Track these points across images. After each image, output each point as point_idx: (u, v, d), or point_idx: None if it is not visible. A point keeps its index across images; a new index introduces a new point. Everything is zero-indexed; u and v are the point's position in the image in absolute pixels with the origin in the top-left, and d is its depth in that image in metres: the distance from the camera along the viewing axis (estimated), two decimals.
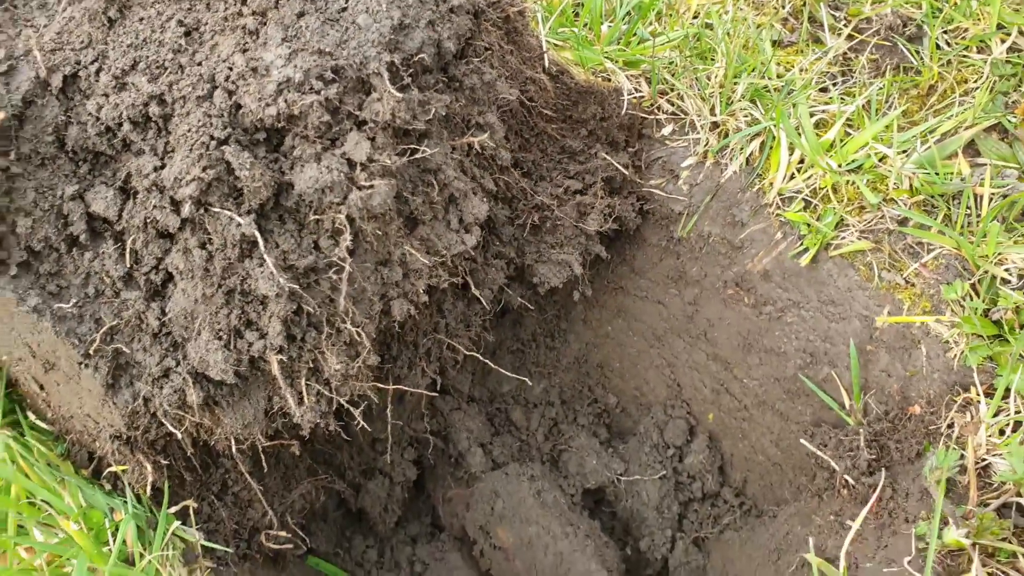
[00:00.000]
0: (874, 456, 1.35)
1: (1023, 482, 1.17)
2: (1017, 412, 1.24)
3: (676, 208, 1.57)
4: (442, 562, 1.67)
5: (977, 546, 1.15)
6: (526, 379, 1.62)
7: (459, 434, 1.70)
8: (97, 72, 1.04)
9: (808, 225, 1.47)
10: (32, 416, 1.26)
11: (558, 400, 1.81)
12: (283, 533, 1.36)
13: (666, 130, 1.56)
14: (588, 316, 1.79)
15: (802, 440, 1.45)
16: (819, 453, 1.42)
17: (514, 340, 1.80)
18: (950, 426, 1.30)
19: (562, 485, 1.69)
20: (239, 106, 0.98)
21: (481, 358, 1.45)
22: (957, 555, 1.17)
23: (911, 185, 1.43)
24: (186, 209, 0.99)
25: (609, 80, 1.53)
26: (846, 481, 1.38)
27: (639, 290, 1.69)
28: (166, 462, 1.18)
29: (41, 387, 1.17)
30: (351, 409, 1.18)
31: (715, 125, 1.54)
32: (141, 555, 1.15)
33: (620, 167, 1.50)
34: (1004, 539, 1.15)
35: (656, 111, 1.57)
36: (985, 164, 1.43)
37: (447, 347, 1.48)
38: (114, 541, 1.14)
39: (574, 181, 1.49)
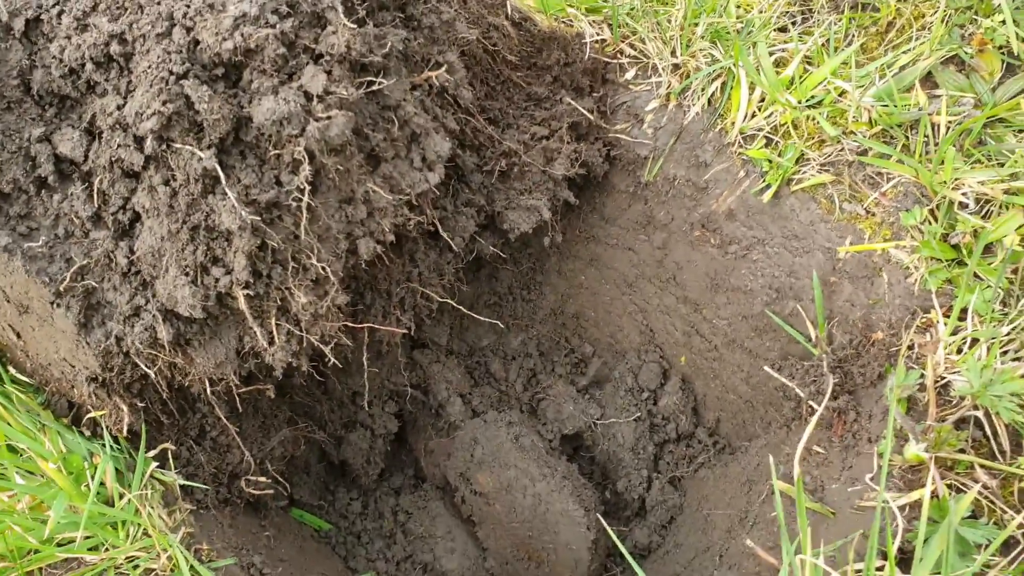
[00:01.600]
0: (837, 381, 1.37)
1: (980, 395, 1.20)
2: (974, 330, 1.27)
3: (642, 152, 1.60)
4: (425, 511, 1.70)
5: (935, 459, 1.18)
6: (498, 322, 1.65)
7: (438, 385, 1.72)
8: (59, 15, 1.06)
9: (770, 161, 1.50)
10: (12, 370, 1.29)
11: (536, 351, 1.84)
12: (263, 479, 1.39)
13: (629, 74, 1.58)
14: (562, 267, 1.82)
15: (768, 370, 1.47)
16: (786, 383, 1.45)
17: (491, 294, 1.82)
18: (910, 347, 1.33)
19: (540, 431, 1.72)
20: (197, 42, 1.01)
21: (455, 305, 1.48)
22: (917, 470, 1.20)
23: (870, 118, 1.46)
24: (149, 145, 1.01)
25: (571, 26, 1.55)
26: (812, 408, 1.41)
27: (609, 238, 1.72)
28: (142, 405, 1.20)
29: (18, 335, 1.19)
30: (323, 349, 1.21)
31: (676, 67, 1.56)
32: (120, 496, 1.18)
33: (585, 112, 1.52)
34: (961, 450, 1.18)
35: (619, 56, 1.59)
36: (942, 95, 1.46)
37: (421, 296, 1.50)
38: (93, 482, 1.17)
39: (540, 127, 1.51)
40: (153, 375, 1.14)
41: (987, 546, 1.03)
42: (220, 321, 1.15)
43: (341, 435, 1.65)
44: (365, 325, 1.28)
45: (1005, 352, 1.26)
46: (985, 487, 1.11)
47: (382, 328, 1.34)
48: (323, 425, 1.62)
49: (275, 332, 1.17)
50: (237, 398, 1.25)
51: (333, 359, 1.21)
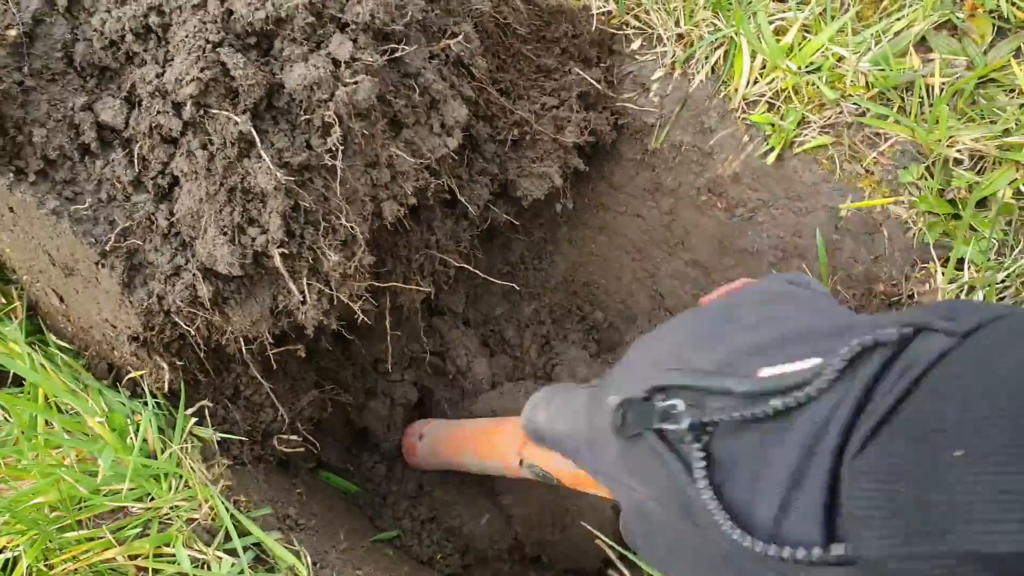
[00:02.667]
0: None
1: None
2: (971, 278, 1.33)
3: (649, 120, 1.66)
4: (448, 478, 1.76)
5: None
6: (514, 285, 1.71)
7: (457, 351, 1.78)
8: None
9: (772, 125, 1.56)
10: (54, 337, 1.35)
11: (548, 319, 1.90)
12: (294, 437, 1.45)
13: (635, 45, 1.64)
14: (572, 236, 1.88)
15: None
16: None
17: (504, 263, 1.89)
18: (911, 296, 1.39)
19: None
20: (231, 12, 1.07)
21: (472, 270, 1.54)
22: None
23: (867, 81, 1.52)
24: (187, 111, 1.07)
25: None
26: None
27: (619, 205, 1.78)
28: (181, 364, 1.26)
29: (61, 299, 1.26)
30: (352, 306, 1.27)
31: (680, 37, 1.62)
32: (162, 450, 1.24)
33: (593, 82, 1.58)
34: None
35: (624, 27, 1.65)
36: (935, 58, 1.52)
37: (439, 262, 1.56)
38: (136, 438, 1.23)
39: (550, 97, 1.57)
40: (192, 333, 1.20)
41: None
42: (256, 280, 1.21)
43: (363, 403, 1.71)
44: (390, 284, 1.34)
45: (1002, 298, 1.33)
46: None
47: (405, 287, 1.40)
48: (347, 390, 1.68)
49: (307, 291, 1.23)
50: (272, 357, 1.31)
51: (362, 316, 1.28)
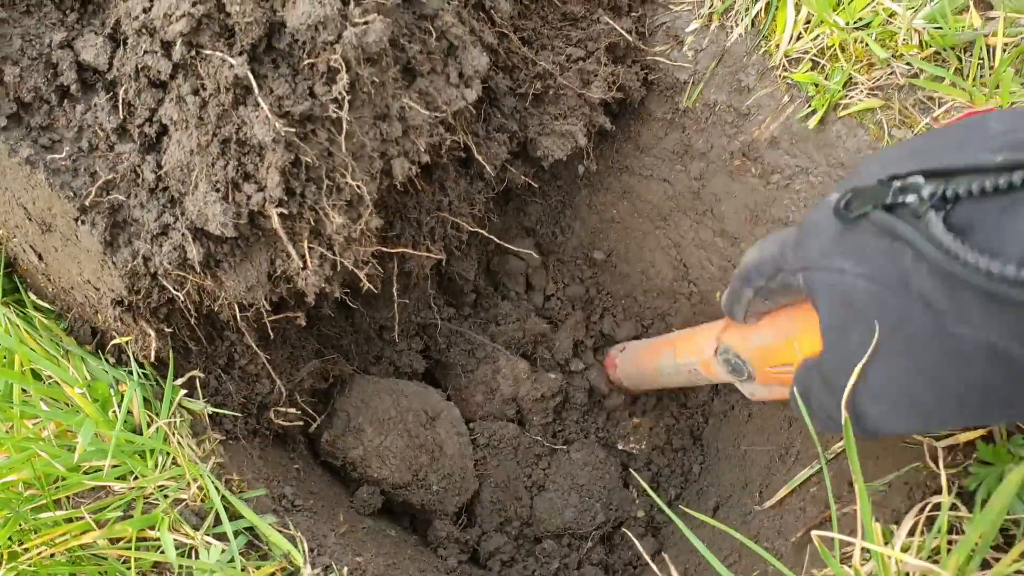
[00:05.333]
0: None
1: None
2: None
3: (681, 77, 1.53)
4: None
5: None
6: (532, 252, 1.60)
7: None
8: None
9: (816, 85, 1.43)
10: (33, 296, 1.24)
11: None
12: (292, 410, 1.35)
13: None
14: (593, 200, 1.76)
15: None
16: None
17: (518, 228, 1.77)
18: None
19: None
20: None
21: (487, 235, 1.43)
22: None
23: (920, 40, 1.39)
24: (177, 51, 0.96)
25: None
26: None
27: (644, 168, 1.66)
28: (169, 331, 1.16)
29: (39, 257, 1.15)
30: (358, 273, 1.16)
31: None
32: (149, 424, 1.14)
33: (623, 32, 1.45)
34: None
35: None
36: (998, 16, 1.39)
37: (451, 226, 1.45)
38: (120, 410, 1.13)
39: (576, 48, 1.45)
40: (181, 298, 1.09)
41: None
42: (251, 242, 1.10)
43: (368, 370, 1.61)
44: (399, 249, 1.23)
45: None
46: None
47: (415, 254, 1.29)
48: (349, 359, 1.58)
49: (308, 256, 1.12)
50: (269, 325, 1.20)
51: (368, 284, 1.17)
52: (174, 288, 1.08)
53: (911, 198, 0.73)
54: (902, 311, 0.74)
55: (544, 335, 1.70)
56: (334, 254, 1.14)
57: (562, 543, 1.56)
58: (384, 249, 1.20)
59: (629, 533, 1.50)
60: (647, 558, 1.22)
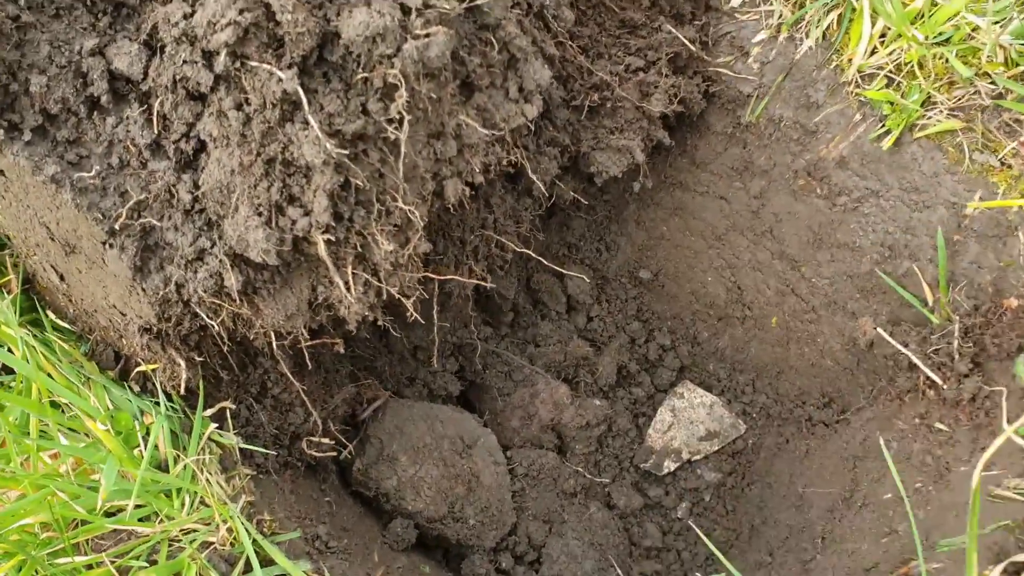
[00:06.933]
0: (969, 352, 1.23)
1: None
2: None
3: (745, 90, 1.44)
4: None
5: None
6: (584, 276, 1.50)
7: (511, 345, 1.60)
8: None
9: (891, 104, 1.34)
10: (52, 315, 1.16)
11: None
12: (326, 440, 1.26)
13: (735, 1, 1.41)
14: (641, 216, 1.67)
15: (881, 333, 1.33)
16: (904, 351, 1.30)
17: (560, 245, 1.68)
18: None
19: None
20: None
21: (531, 255, 1.34)
22: None
23: (1007, 57, 1.29)
24: (220, 62, 0.86)
25: None
26: (932, 381, 1.27)
27: (700, 185, 1.57)
28: (200, 359, 1.07)
29: (61, 278, 1.06)
30: (404, 301, 1.07)
31: None
32: (175, 460, 1.06)
33: (686, 41, 1.36)
34: None
35: None
36: None
37: (495, 244, 1.36)
38: (145, 445, 1.04)
39: (635, 58, 1.35)
40: (215, 327, 1.01)
41: None
42: (293, 269, 1.01)
43: (401, 392, 1.52)
44: (448, 277, 1.14)
45: None
46: None
47: (463, 281, 1.20)
48: (383, 381, 1.49)
49: (352, 282, 1.03)
50: (305, 352, 1.12)
51: (414, 313, 1.08)
52: (208, 316, 1.00)
53: None
54: None
55: (586, 358, 1.61)
56: (379, 281, 1.05)
57: None
58: (431, 275, 1.11)
59: None
60: None
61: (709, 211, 1.58)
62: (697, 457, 1.62)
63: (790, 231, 1.49)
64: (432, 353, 1.50)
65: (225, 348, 1.09)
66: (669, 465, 1.61)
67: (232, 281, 0.96)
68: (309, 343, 1.13)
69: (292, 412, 1.22)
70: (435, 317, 1.31)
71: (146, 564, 0.98)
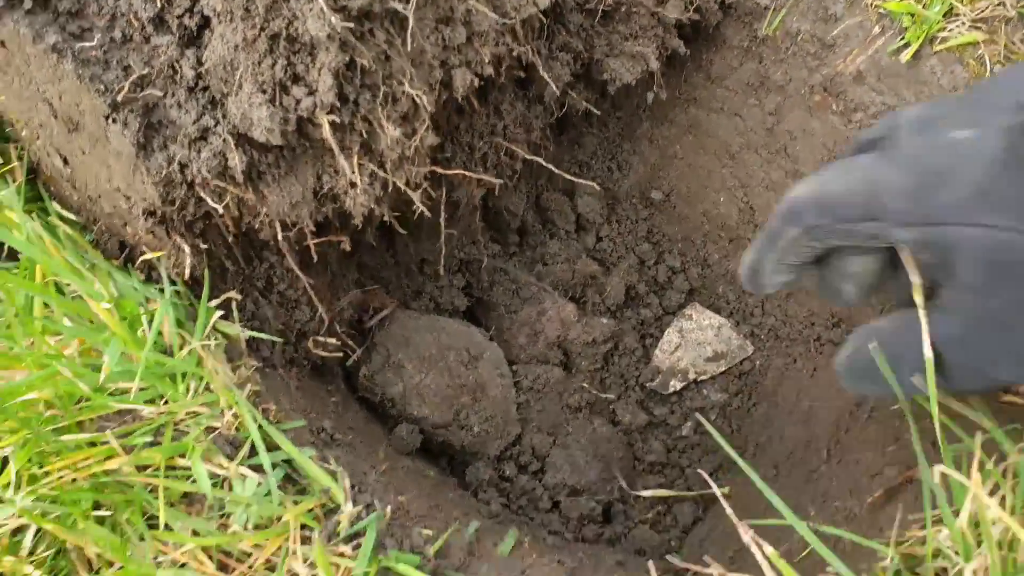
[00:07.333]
0: None
1: None
2: None
3: (762, 2, 1.41)
4: None
5: None
6: (594, 184, 1.49)
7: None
8: None
9: (912, 15, 1.31)
10: (57, 206, 1.15)
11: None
12: (332, 340, 1.27)
13: None
14: (655, 134, 1.65)
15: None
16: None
17: (571, 162, 1.66)
18: None
19: None
20: None
21: (543, 163, 1.32)
22: None
23: None
24: None
25: None
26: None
27: (714, 101, 1.54)
28: (205, 247, 1.07)
29: (65, 161, 1.06)
30: (411, 194, 1.06)
31: None
32: (180, 346, 1.06)
33: None
34: None
35: None
36: None
37: (505, 152, 1.35)
38: (150, 329, 1.04)
39: None
40: (220, 211, 1.00)
41: None
42: (298, 154, 1.01)
43: (408, 305, 1.52)
44: (456, 172, 1.13)
45: None
46: None
47: (471, 176, 1.18)
48: (390, 292, 1.48)
49: (358, 172, 1.02)
50: (312, 248, 1.11)
51: (421, 207, 1.07)
52: (212, 200, 0.99)
53: None
54: None
55: (595, 277, 1.60)
56: (386, 172, 1.05)
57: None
58: (439, 170, 1.10)
59: (703, 473, 1.38)
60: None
61: (723, 128, 1.56)
62: (703, 378, 1.62)
63: (805, 149, 1.47)
64: (439, 266, 1.49)
65: (230, 238, 1.09)
66: (675, 384, 1.61)
67: (236, 162, 0.96)
68: (315, 240, 1.13)
69: (298, 309, 1.22)
70: (441, 224, 1.30)
71: (150, 443, 0.99)
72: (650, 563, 0.99)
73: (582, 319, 1.56)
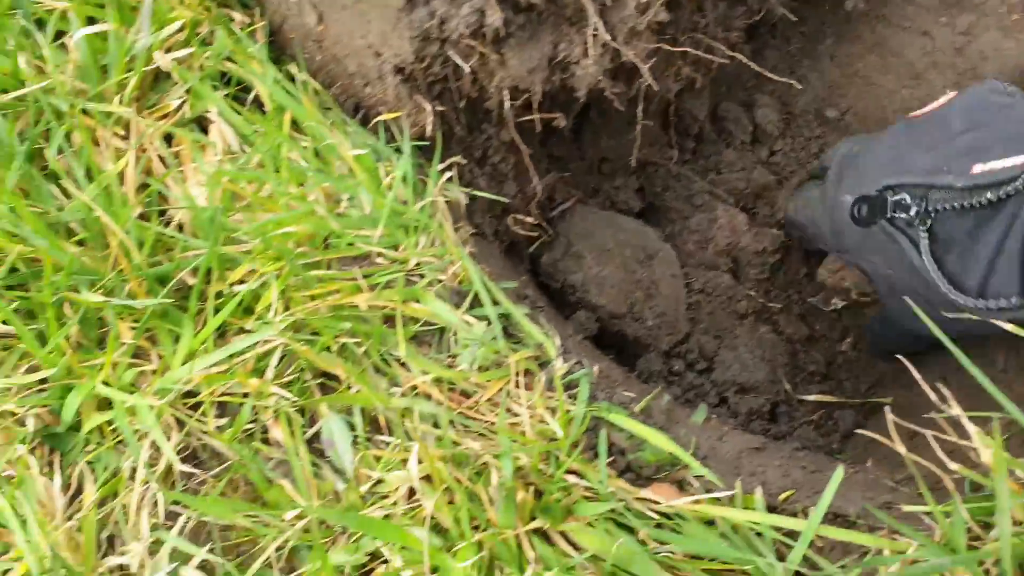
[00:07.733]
0: None
1: None
2: None
3: None
4: None
5: None
6: (794, 82, 1.51)
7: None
8: None
9: None
10: (295, 69, 1.22)
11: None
12: (530, 219, 1.32)
13: None
14: (837, 51, 1.65)
15: None
16: None
17: (750, 75, 1.67)
18: None
19: None
20: None
21: (743, 60, 1.35)
22: None
23: None
24: None
25: None
26: None
27: (903, 19, 1.54)
28: (441, 109, 1.13)
29: (320, 19, 1.12)
30: (640, 65, 1.11)
31: None
32: (414, 201, 1.12)
33: None
34: None
35: None
36: None
37: (704, 48, 1.38)
38: (391, 181, 1.11)
39: None
40: (467, 70, 1.06)
41: None
42: (544, 19, 1.06)
43: (586, 202, 1.57)
44: (682, 49, 1.17)
45: None
46: None
47: (696, 53, 1.22)
48: (574, 186, 1.54)
49: (591, 41, 1.07)
50: (537, 122, 1.16)
51: (650, 80, 1.11)
52: (461, 59, 1.05)
53: (903, 215, 0.98)
54: (921, 290, 1.01)
55: (768, 189, 1.63)
56: (616, 44, 1.09)
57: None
58: (666, 47, 1.13)
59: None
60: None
61: (909, 47, 1.56)
62: (865, 299, 1.63)
63: (995, 70, 1.46)
64: (618, 167, 1.53)
65: (461, 103, 1.15)
66: (836, 303, 1.63)
67: (493, 21, 1.01)
68: (536, 116, 1.18)
69: (506, 183, 1.28)
70: (639, 115, 1.34)
71: (385, 286, 1.06)
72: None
73: (752, 228, 1.59)
